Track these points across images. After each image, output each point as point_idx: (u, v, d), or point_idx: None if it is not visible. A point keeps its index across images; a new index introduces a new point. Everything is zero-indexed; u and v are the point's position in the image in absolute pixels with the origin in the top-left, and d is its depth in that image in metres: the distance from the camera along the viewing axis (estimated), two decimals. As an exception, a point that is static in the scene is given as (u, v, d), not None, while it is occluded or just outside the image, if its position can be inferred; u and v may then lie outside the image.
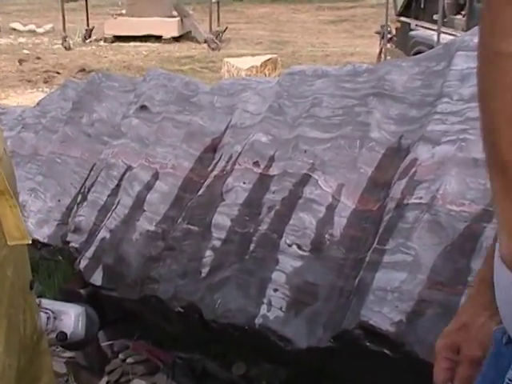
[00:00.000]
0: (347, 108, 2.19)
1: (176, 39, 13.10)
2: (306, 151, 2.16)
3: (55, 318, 1.81)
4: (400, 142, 2.01)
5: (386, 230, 1.79)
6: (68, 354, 2.85)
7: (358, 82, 2.23)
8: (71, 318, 1.84)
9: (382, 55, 9.10)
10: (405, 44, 8.43)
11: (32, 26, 14.55)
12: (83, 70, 10.03)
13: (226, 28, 13.75)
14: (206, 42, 12.53)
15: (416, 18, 8.56)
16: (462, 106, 1.91)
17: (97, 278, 2.53)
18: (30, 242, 1.11)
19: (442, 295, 1.60)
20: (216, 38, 12.61)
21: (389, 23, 9.24)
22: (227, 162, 2.40)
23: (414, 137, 1.97)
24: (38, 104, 3.54)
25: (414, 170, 1.86)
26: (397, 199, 1.84)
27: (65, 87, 3.37)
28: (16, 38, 13.42)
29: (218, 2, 13.70)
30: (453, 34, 7.16)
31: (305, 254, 1.97)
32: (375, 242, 1.80)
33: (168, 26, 13.18)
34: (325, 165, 2.10)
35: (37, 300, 1.82)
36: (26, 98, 8.25)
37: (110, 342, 2.82)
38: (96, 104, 3.10)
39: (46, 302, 1.84)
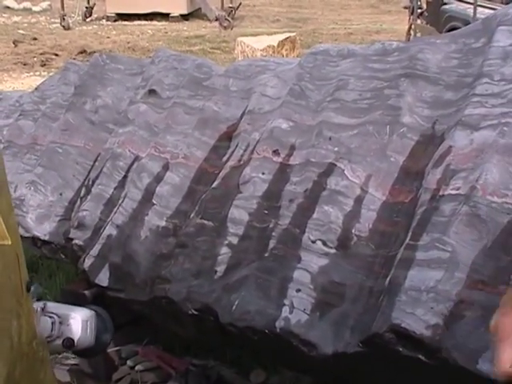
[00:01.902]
0: (376, 91, 2.18)
1: (185, 17, 13.11)
2: (330, 138, 2.16)
3: (61, 323, 1.82)
4: (434, 127, 2.01)
5: (420, 224, 1.79)
6: (72, 361, 2.87)
7: (387, 62, 2.23)
8: (79, 322, 1.84)
9: (412, 32, 9.05)
10: (437, 20, 8.38)
11: (27, 4, 14.60)
12: (84, 51, 10.05)
13: (240, 4, 13.73)
14: (217, 19, 12.53)
15: (450, -10, 8.51)
16: (504, 87, 1.90)
17: (103, 278, 2.55)
18: (10, 243, 1.12)
19: (482, 296, 1.60)
20: (228, 15, 12.61)
21: (419, -3, 9.20)
22: (244, 150, 2.40)
23: (449, 122, 1.96)
24: (36, 89, 3.55)
25: (450, 158, 1.85)
26: (431, 190, 1.83)
27: (66, 70, 3.39)
28: (10, 16, 13.46)
29: (230, -24, 13.70)
30: (491, 8, 7.11)
31: (330, 250, 1.97)
32: (408, 238, 1.80)
33: (176, 3, 13.18)
34: (351, 153, 2.10)
35: (41, 303, 1.82)
36: (22, 83, 8.28)
37: (118, 348, 2.84)
38: (100, 88, 3.11)
39: (50, 306, 1.84)
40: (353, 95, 2.22)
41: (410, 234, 1.80)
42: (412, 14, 9.18)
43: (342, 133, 2.15)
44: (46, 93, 3.40)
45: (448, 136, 1.92)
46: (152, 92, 2.87)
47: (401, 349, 1.69)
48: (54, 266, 3.50)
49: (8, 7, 14.38)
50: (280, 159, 2.25)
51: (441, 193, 1.80)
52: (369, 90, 2.20)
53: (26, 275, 1.41)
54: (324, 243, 1.99)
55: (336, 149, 2.12)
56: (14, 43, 10.57)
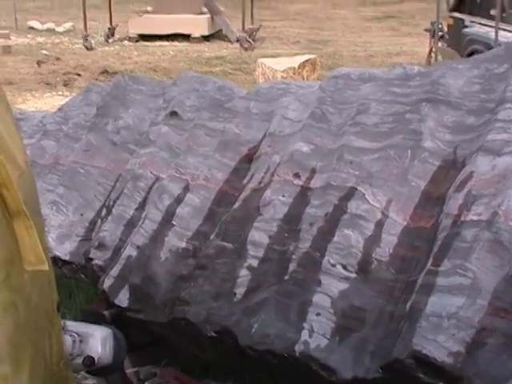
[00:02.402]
0: (397, 115, 2.18)
1: (206, 38, 13.18)
2: (351, 162, 2.15)
3: (81, 342, 1.81)
4: (456, 152, 2.00)
5: (441, 250, 1.78)
6: (90, 381, 2.86)
7: (409, 87, 2.23)
8: (98, 341, 1.84)
9: (433, 55, 9.05)
10: (458, 43, 8.37)
11: (51, 25, 14.74)
12: (106, 71, 10.12)
13: (260, 26, 13.80)
14: (238, 41, 12.58)
15: (470, 14, 8.50)
16: (527, 114, 1.89)
17: (122, 299, 2.55)
18: (47, 268, 1.12)
19: (505, 323, 1.59)
20: (249, 36, 12.66)
21: (440, 19, 9.19)
22: (265, 173, 2.40)
23: (471, 147, 1.95)
24: (59, 109, 3.57)
25: (471, 183, 1.84)
26: (453, 216, 1.82)
27: (88, 91, 3.41)
28: (34, 37, 13.60)
29: (251, -2, 13.77)
30: (513, 31, 7.10)
31: (351, 275, 1.96)
32: (429, 263, 1.79)
33: (197, 24, 13.26)
34: (372, 177, 2.09)
35: (61, 322, 1.82)
36: (45, 103, 8.35)
37: (136, 369, 2.82)
38: (122, 109, 3.12)
39: (70, 325, 1.84)
40: (374, 119, 2.22)
41: (431, 259, 1.79)
42: (433, 36, 9.18)
43: (363, 157, 2.14)
44: (69, 113, 3.42)
45: (470, 161, 1.91)
46: (173, 114, 2.87)
47: (421, 375, 1.68)
48: (73, 286, 3.49)
49: (32, 28, 14.52)
50: (301, 182, 2.25)
51: (462, 218, 1.79)
52: (390, 114, 2.20)
53: (57, 295, 1.42)
54: (344, 267, 1.98)
55: (357, 173, 2.12)
56: (37, 63, 10.66)
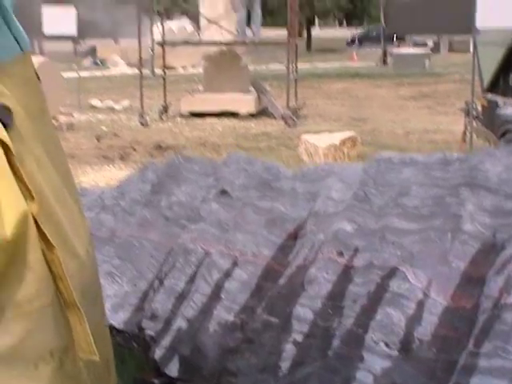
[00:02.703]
0: (437, 198, 2.16)
1: (253, 115, 13.31)
2: (393, 243, 2.13)
3: None
4: (495, 235, 1.96)
5: (482, 332, 1.73)
6: None
7: (448, 171, 2.21)
8: None
9: (468, 134, 9.01)
10: (492, 122, 8.34)
11: (110, 103, 15.06)
12: (159, 146, 10.26)
13: (304, 104, 13.93)
14: (282, 118, 12.69)
15: (504, 95, 8.48)
16: None
17: (172, 369, 2.52)
18: (98, 359, 1.10)
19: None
20: (293, 114, 12.76)
21: (474, 100, 9.18)
22: (309, 250, 2.38)
23: (510, 231, 1.92)
24: (117, 186, 3.62)
25: (511, 267, 1.80)
26: (493, 298, 1.78)
27: (145, 169, 3.45)
28: (94, 114, 13.89)
29: (295, 78, 13.92)
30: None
31: (393, 352, 1.92)
32: (470, 344, 1.74)
33: (245, 102, 13.42)
34: (414, 258, 2.06)
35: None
36: (103, 175, 8.46)
37: None
38: (175, 187, 3.15)
39: None
40: (415, 202, 2.20)
41: (472, 340, 1.75)
42: (467, 116, 9.15)
43: (405, 238, 2.12)
44: (126, 189, 3.46)
45: (509, 245, 1.88)
46: (223, 192, 2.89)
47: None
48: (125, 354, 3.47)
49: (93, 106, 14.85)
50: (344, 261, 2.23)
51: (502, 301, 1.75)
52: (430, 198, 2.18)
53: (115, 377, 1.40)
54: (387, 345, 1.94)
55: (399, 253, 2.09)
56: (97, 139, 10.85)
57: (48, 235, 0.92)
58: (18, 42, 1.03)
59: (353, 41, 39.78)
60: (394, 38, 28.86)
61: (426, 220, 2.13)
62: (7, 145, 0.85)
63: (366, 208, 2.32)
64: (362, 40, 42.08)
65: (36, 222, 0.91)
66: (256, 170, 2.84)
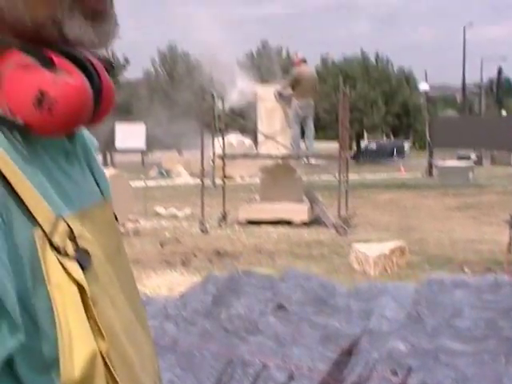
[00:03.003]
0: (489, 321, 2.09)
1: (305, 224, 13.33)
2: (447, 364, 2.06)
3: None
4: (548, 361, 1.89)
5: None
6: None
7: (499, 295, 2.15)
8: None
9: (512, 245, 8.84)
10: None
11: (173, 210, 15.29)
12: (218, 253, 10.30)
13: (354, 214, 13.92)
14: (334, 227, 12.67)
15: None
16: None
17: None
18: None
19: None
20: (344, 223, 12.74)
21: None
22: (364, 368, 2.32)
23: None
24: (180, 296, 3.62)
25: None
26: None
27: (206, 281, 3.45)
28: (159, 221, 14.10)
29: (346, 189, 13.96)
30: None
31: None
32: None
33: (298, 211, 13.48)
34: (468, 379, 1.98)
35: None
36: (165, 280, 8.50)
37: None
38: (235, 299, 3.13)
39: None
40: (467, 323, 2.14)
41: None
42: (511, 228, 9.01)
43: (458, 359, 2.05)
44: (188, 300, 3.45)
45: None
46: (281, 306, 2.86)
47: None
48: None
49: (158, 213, 15.09)
50: (398, 380, 2.16)
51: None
52: (482, 320, 2.11)
53: None
54: None
55: (453, 375, 2.02)
56: (160, 244, 10.97)
57: (116, 375, 0.91)
58: (99, 187, 1.05)
59: (355, 156, 39.04)
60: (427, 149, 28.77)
61: (479, 342, 2.06)
62: (83, 287, 0.86)
63: (419, 328, 2.26)
64: (363, 154, 42.03)
65: (105, 361, 0.90)
66: (312, 286, 2.82)
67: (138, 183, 17.21)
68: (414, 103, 43.07)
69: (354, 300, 2.61)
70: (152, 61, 52.86)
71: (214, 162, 14.28)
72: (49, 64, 0.83)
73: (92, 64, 0.95)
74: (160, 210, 15.41)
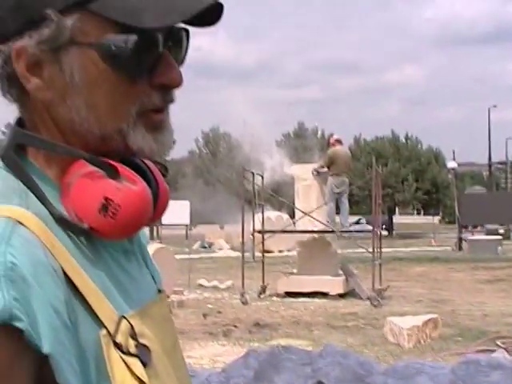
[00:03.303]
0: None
1: (341, 296, 13.16)
2: None
3: None
4: None
5: None
6: None
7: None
8: None
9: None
10: None
11: (215, 282, 15.23)
12: (258, 324, 10.18)
13: (388, 286, 13.70)
14: (368, 299, 12.48)
15: None
16: None
17: None
18: None
19: None
20: (378, 295, 12.54)
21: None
22: None
23: None
24: (223, 369, 3.57)
25: None
26: None
27: (248, 356, 3.40)
28: (202, 293, 14.04)
29: (379, 263, 13.79)
30: None
31: None
32: None
33: (334, 284, 13.34)
34: None
35: None
36: (208, 351, 8.40)
37: None
38: (275, 374, 3.08)
39: None
40: (504, 405, 2.06)
41: None
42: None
43: None
44: (231, 374, 3.40)
45: None
46: (320, 383, 2.80)
47: None
48: None
49: (201, 285, 15.05)
50: None
51: None
52: (519, 402, 2.04)
53: None
54: None
55: None
56: (203, 316, 10.89)
57: None
58: (155, 282, 1.06)
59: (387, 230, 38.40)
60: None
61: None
62: (144, 382, 0.86)
63: (457, 408, 2.18)
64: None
65: None
66: (350, 364, 2.75)
67: (182, 256, 17.26)
68: (443, 180, 42.86)
69: (392, 379, 2.53)
70: (196, 141, 53.82)
71: (253, 236, 14.27)
72: (113, 173, 0.85)
73: (149, 168, 0.98)
74: (203, 281, 15.38)
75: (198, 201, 25.97)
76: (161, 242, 18.58)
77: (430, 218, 47.25)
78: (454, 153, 31.91)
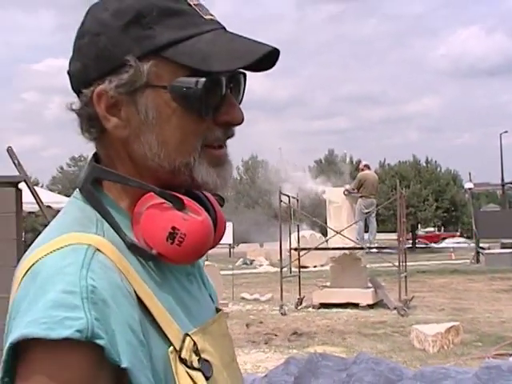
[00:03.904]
0: (546, 406, 1.95)
1: (371, 306, 12.99)
2: None
3: None
4: None
5: None
6: None
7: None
8: None
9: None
10: None
11: (257, 295, 15.16)
12: (295, 333, 10.08)
13: (413, 297, 13.49)
14: (395, 308, 12.29)
15: None
16: None
17: None
18: None
19: None
20: (404, 305, 12.34)
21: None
22: None
23: None
24: (265, 375, 3.54)
25: None
26: None
27: (288, 363, 3.37)
28: (244, 305, 13.99)
29: (405, 275, 13.59)
30: None
31: None
32: None
33: (364, 296, 13.18)
34: None
35: None
36: (251, 357, 8.35)
37: None
38: (313, 380, 3.04)
39: None
40: (525, 408, 2.00)
41: None
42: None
43: None
44: (273, 379, 3.37)
45: None
46: (354, 387, 2.75)
47: None
48: None
49: (243, 298, 15.00)
50: None
51: None
52: (540, 405, 1.98)
53: None
54: None
55: None
56: (246, 326, 10.84)
57: None
58: (212, 301, 1.06)
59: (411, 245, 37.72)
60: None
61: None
62: None
63: None
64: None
65: None
66: (382, 370, 2.71)
67: (226, 272, 17.24)
68: (461, 199, 42.28)
69: (420, 382, 2.49)
70: (237, 169, 54.08)
71: (290, 253, 14.21)
72: (179, 205, 0.86)
73: (207, 198, 0.99)
74: (245, 295, 15.32)
75: (240, 222, 25.99)
76: (207, 260, 18.62)
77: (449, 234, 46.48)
78: (470, 175, 31.42)
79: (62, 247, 0.79)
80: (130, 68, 0.84)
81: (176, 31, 0.84)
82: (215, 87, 0.86)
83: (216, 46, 0.84)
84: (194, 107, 0.85)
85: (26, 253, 0.84)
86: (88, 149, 0.93)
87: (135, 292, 0.81)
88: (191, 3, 0.87)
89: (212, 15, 0.89)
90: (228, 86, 0.88)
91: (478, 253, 27.12)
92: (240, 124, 0.90)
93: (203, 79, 0.84)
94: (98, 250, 0.80)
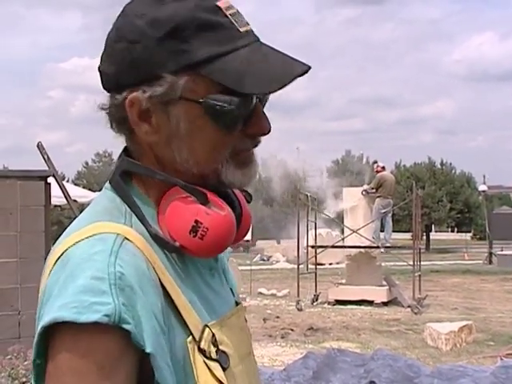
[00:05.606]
0: None
1: (385, 304, 12.92)
2: None
3: None
4: None
5: None
6: None
7: None
8: None
9: None
10: None
11: (274, 291, 15.14)
12: (311, 328, 10.05)
13: (426, 295, 13.39)
14: (409, 307, 12.21)
15: None
16: None
17: None
18: None
19: None
20: (418, 303, 12.25)
21: None
22: None
23: None
24: (284, 369, 3.53)
25: None
26: None
27: (306, 357, 3.36)
28: (262, 300, 13.98)
29: (419, 274, 13.50)
30: None
31: None
32: None
33: (379, 293, 13.10)
34: None
35: None
36: (268, 351, 8.34)
37: None
38: (332, 375, 3.03)
39: None
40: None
41: None
42: None
43: None
44: (291, 373, 3.36)
45: None
46: (372, 383, 2.73)
47: None
48: None
49: (261, 293, 14.99)
50: None
51: None
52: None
53: None
54: None
55: None
56: (263, 320, 10.83)
57: None
58: (233, 295, 1.06)
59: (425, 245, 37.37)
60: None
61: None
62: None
63: (499, 409, 2.10)
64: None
65: None
66: (400, 366, 2.69)
67: (244, 267, 17.25)
68: (475, 201, 41.88)
69: (438, 380, 2.46)
70: (256, 168, 53.93)
71: (307, 250, 14.17)
72: (203, 199, 0.86)
73: (234, 193, 0.99)
74: (262, 290, 15.31)
75: (258, 219, 25.98)
76: (226, 255, 18.57)
77: (462, 234, 46.11)
78: (484, 177, 31.14)
79: (91, 235, 0.80)
80: (164, 82, 0.84)
81: (213, 47, 0.83)
82: (247, 104, 0.86)
83: (251, 66, 0.83)
84: (225, 123, 0.85)
85: (58, 241, 0.84)
86: (112, 145, 0.93)
87: (160, 281, 0.81)
88: (228, 13, 0.86)
89: (248, 25, 0.88)
90: (257, 98, 0.88)
91: (490, 254, 26.85)
92: (268, 134, 0.90)
93: (237, 99, 0.84)
94: (126, 238, 0.81)
